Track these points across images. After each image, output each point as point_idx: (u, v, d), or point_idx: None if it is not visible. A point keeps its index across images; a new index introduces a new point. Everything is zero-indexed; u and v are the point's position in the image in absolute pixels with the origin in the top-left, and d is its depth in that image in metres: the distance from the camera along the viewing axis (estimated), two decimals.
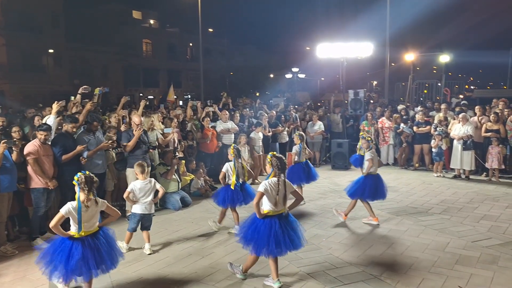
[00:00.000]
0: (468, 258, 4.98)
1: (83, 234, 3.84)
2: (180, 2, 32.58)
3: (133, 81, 37.59)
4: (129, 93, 15.77)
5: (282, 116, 11.70)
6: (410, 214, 6.86)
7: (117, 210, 4.36)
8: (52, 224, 3.81)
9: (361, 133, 6.59)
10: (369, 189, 6.27)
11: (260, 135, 9.97)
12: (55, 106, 6.32)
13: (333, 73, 28.01)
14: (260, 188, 4.24)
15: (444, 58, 27.42)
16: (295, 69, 33.71)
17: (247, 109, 12.08)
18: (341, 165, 11.13)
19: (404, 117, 11.49)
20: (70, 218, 3.86)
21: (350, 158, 8.56)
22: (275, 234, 4.12)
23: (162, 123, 8.56)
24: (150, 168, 6.14)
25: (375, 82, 33.38)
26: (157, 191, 5.44)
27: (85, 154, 6.13)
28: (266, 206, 4.28)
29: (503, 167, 9.28)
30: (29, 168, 5.62)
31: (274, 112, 11.83)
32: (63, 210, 3.84)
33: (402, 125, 11.02)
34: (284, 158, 4.39)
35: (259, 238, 4.16)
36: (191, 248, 5.51)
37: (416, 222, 6.43)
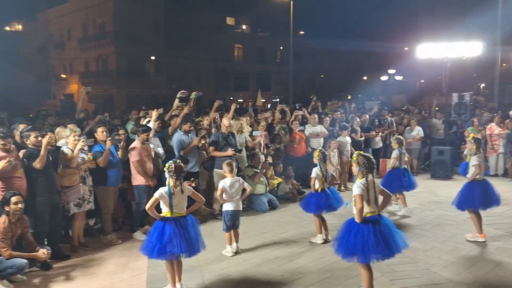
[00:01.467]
0: None
1: (175, 214, 4.31)
2: (271, 7, 33.30)
3: (225, 85, 39.37)
4: (220, 97, 16.57)
5: (376, 120, 11.34)
6: None
7: (201, 197, 4.80)
8: (147, 206, 4.38)
9: (469, 138, 6.06)
10: (479, 196, 5.72)
11: (348, 139, 9.75)
12: (154, 114, 6.89)
13: (433, 74, 26.29)
14: (356, 191, 4.08)
15: None
16: (391, 71, 32.32)
17: (339, 112, 11.94)
18: (442, 174, 10.42)
19: None
20: (161, 202, 4.34)
21: (459, 167, 7.81)
22: (382, 235, 3.96)
23: (251, 126, 8.83)
24: (237, 170, 6.37)
25: (482, 85, 30.57)
26: (244, 190, 5.63)
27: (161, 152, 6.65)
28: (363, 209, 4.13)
29: None
30: (132, 167, 6.19)
31: (367, 116, 11.52)
32: (157, 194, 4.33)
33: None
34: (371, 157, 4.25)
35: (364, 242, 3.95)
36: (278, 251, 5.61)
37: None
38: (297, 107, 10.42)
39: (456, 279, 4.64)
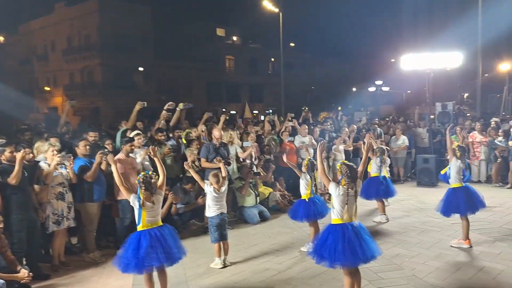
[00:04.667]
0: None
1: (149, 226, 4.26)
2: (262, 18, 33.62)
3: (216, 97, 39.44)
4: (212, 108, 16.64)
5: (364, 130, 11.51)
6: (505, 235, 6.32)
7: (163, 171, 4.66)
8: (118, 182, 4.50)
9: (454, 146, 6.19)
10: (463, 201, 5.79)
11: (341, 148, 9.89)
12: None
13: (419, 85, 26.67)
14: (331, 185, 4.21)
15: None
16: (378, 82, 32.69)
17: (328, 123, 12.09)
18: (428, 182, 10.57)
19: (498, 131, 10.63)
20: (135, 211, 4.33)
21: (440, 175, 7.98)
22: (349, 241, 3.95)
23: (240, 138, 8.84)
24: (228, 182, 6.36)
25: (466, 94, 31.08)
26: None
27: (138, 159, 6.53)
28: (337, 215, 4.15)
29: None
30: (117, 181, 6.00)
31: (355, 126, 11.67)
32: (131, 198, 4.35)
33: (499, 138, 10.21)
34: (355, 166, 4.29)
35: (332, 248, 3.98)
36: (268, 263, 5.60)
37: (511, 245, 5.91)
38: (289, 119, 10.49)
39: (441, 284, 4.72)
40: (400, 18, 40.08)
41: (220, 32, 44.12)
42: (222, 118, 8.62)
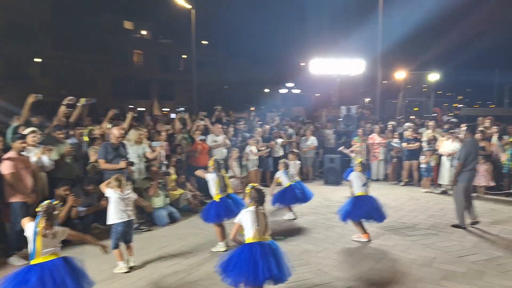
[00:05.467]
0: (454, 273, 5.14)
1: (40, 260, 3.74)
2: (174, 14, 32.95)
3: (123, 93, 37.61)
4: (118, 105, 15.84)
5: (275, 129, 11.96)
6: (398, 229, 7.03)
7: (83, 236, 4.44)
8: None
9: (357, 162, 6.75)
10: (365, 210, 6.32)
11: (254, 149, 10.13)
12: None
13: (328, 89, 28.46)
14: (237, 219, 4.29)
15: (433, 76, 28.14)
16: (289, 84, 34.05)
17: (242, 123, 12.28)
18: (334, 180, 11.31)
19: (394, 133, 11.77)
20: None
21: (344, 173, 8.66)
22: (255, 263, 3.91)
23: (148, 137, 8.52)
24: (130, 182, 6.15)
25: (367, 99, 33.96)
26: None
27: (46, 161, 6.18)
28: (249, 235, 4.17)
29: (492, 184, 9.53)
30: (5, 182, 5.46)
31: (267, 127, 12.04)
32: (29, 227, 3.86)
33: (395, 140, 11.31)
34: (263, 190, 4.40)
35: (236, 267, 3.96)
36: (178, 265, 5.53)
37: (404, 237, 6.60)
38: (201, 118, 10.44)
39: (344, 277, 5.09)
40: (308, 24, 42.18)
41: (128, 25, 42.18)
42: (129, 116, 8.25)
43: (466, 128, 7.51)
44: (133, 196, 5.51)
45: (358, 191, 6.52)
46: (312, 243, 6.35)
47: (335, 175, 11.30)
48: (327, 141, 12.85)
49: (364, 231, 6.45)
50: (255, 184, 4.51)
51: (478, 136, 9.61)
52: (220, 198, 5.94)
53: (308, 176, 11.86)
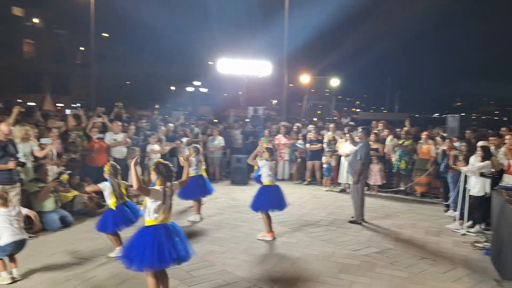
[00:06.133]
0: (350, 266, 5.51)
1: None
2: (71, 3, 30.69)
3: (10, 85, 33.97)
4: (4, 99, 14.25)
5: (181, 130, 11.73)
6: (301, 226, 7.35)
7: None
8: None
9: (263, 147, 6.86)
10: (271, 199, 6.50)
11: (156, 147, 9.80)
12: None
13: (236, 89, 28.84)
14: (153, 189, 4.11)
15: (334, 82, 30.25)
16: (197, 83, 33.78)
17: (144, 121, 11.83)
18: (240, 181, 11.45)
19: (299, 134, 12.32)
20: None
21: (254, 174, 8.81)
22: (159, 245, 3.93)
23: (38, 135, 7.74)
24: (19, 184, 5.61)
25: (275, 101, 35.19)
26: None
27: None
28: (151, 216, 4.09)
29: (383, 182, 10.46)
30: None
31: (172, 125, 11.76)
32: None
33: (300, 141, 11.83)
34: (171, 165, 4.29)
35: (140, 251, 3.92)
36: (70, 273, 5.13)
37: (306, 234, 6.91)
38: (99, 115, 9.81)
39: (248, 276, 5.14)
40: (214, 23, 42.27)
41: (17, 11, 38.23)
42: (15, 110, 7.42)
43: (361, 130, 8.12)
44: (23, 211, 5.02)
45: (265, 180, 6.63)
46: (217, 244, 6.33)
47: (242, 175, 11.45)
48: (234, 141, 12.99)
49: (270, 229, 6.60)
50: (161, 160, 4.38)
51: (372, 138, 10.49)
52: (116, 206, 5.57)
53: (215, 176, 11.85)
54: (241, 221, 7.65)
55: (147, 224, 4.11)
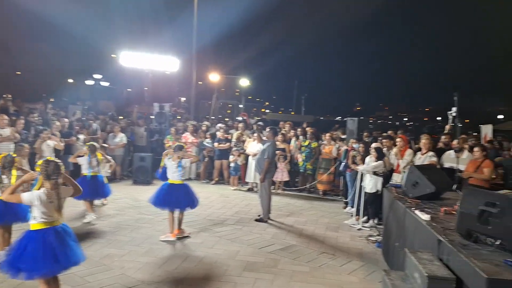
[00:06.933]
0: (255, 264, 5.64)
1: None
2: None
3: None
4: None
5: (77, 126, 10.98)
6: (207, 226, 7.35)
7: None
8: None
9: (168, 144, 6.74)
10: (176, 196, 6.41)
11: (50, 143, 9.06)
12: None
13: (141, 84, 27.74)
14: (25, 197, 3.79)
15: (244, 82, 30.80)
16: (97, 76, 31.90)
17: (35, 115, 10.86)
18: (143, 180, 11.08)
19: (207, 133, 12.30)
20: None
21: (157, 173, 8.63)
22: (51, 248, 3.72)
23: None
24: None
25: (183, 98, 34.69)
26: None
27: None
28: (37, 219, 3.81)
29: (287, 179, 10.90)
30: None
31: (66, 120, 10.97)
32: None
33: (207, 140, 11.80)
34: (58, 162, 4.02)
35: (29, 257, 3.66)
36: None
37: (211, 233, 6.92)
38: None
39: (148, 279, 4.99)
40: (116, 14, 40.31)
41: None
42: None
43: (269, 130, 8.38)
44: None
45: (170, 178, 6.57)
46: (116, 247, 6.04)
47: (145, 174, 11.10)
48: (138, 138, 12.54)
49: (173, 230, 6.50)
50: (50, 157, 4.09)
51: (279, 138, 10.88)
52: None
53: (115, 176, 11.30)
54: (142, 222, 7.40)
55: (32, 228, 3.80)
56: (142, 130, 12.65)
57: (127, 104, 25.63)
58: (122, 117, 14.55)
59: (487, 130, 11.10)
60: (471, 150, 7.58)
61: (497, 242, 3.26)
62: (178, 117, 15.82)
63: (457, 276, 3.10)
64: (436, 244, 3.65)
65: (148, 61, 13.79)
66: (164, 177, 6.78)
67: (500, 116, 47.92)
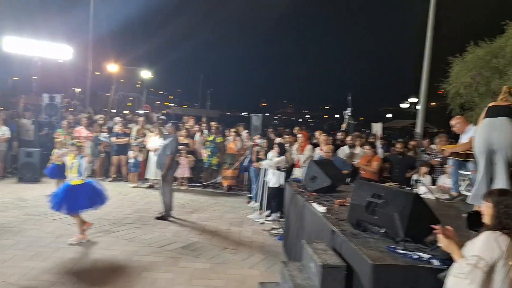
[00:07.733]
0: (154, 263, 5.51)
1: None
2: None
3: None
4: None
5: None
6: (103, 226, 6.98)
7: None
8: None
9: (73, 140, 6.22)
10: (84, 197, 6.01)
11: None
12: None
13: (29, 73, 25.34)
14: None
15: (146, 74, 29.81)
16: None
17: None
18: (31, 178, 10.23)
19: (103, 127, 11.68)
20: None
21: (47, 169, 8.04)
22: None
23: None
24: None
25: (78, 89, 32.46)
26: None
27: None
28: None
29: (189, 175, 10.83)
30: None
31: None
32: None
33: (104, 134, 11.20)
34: None
35: None
36: None
37: (107, 234, 6.60)
38: None
39: (34, 285, 4.60)
40: None
41: None
42: None
43: (171, 124, 8.24)
44: None
45: (76, 179, 6.13)
46: None
47: (33, 171, 10.25)
48: (24, 132, 11.48)
49: (83, 231, 6.12)
50: None
51: (183, 133, 10.75)
52: None
53: None
54: (29, 224, 6.80)
55: None
56: (29, 122, 11.59)
57: (12, 94, 23.29)
58: (1, 108, 13.17)
59: (377, 128, 12.16)
60: (362, 146, 8.32)
61: (382, 231, 3.60)
62: (70, 109, 14.80)
63: (348, 263, 3.36)
64: (330, 234, 3.91)
65: (37, 48, 12.65)
66: (54, 174, 6.30)
67: (389, 115, 53.02)
